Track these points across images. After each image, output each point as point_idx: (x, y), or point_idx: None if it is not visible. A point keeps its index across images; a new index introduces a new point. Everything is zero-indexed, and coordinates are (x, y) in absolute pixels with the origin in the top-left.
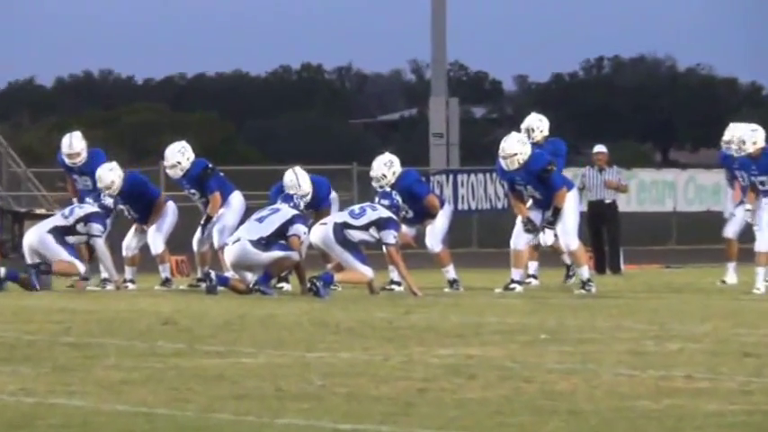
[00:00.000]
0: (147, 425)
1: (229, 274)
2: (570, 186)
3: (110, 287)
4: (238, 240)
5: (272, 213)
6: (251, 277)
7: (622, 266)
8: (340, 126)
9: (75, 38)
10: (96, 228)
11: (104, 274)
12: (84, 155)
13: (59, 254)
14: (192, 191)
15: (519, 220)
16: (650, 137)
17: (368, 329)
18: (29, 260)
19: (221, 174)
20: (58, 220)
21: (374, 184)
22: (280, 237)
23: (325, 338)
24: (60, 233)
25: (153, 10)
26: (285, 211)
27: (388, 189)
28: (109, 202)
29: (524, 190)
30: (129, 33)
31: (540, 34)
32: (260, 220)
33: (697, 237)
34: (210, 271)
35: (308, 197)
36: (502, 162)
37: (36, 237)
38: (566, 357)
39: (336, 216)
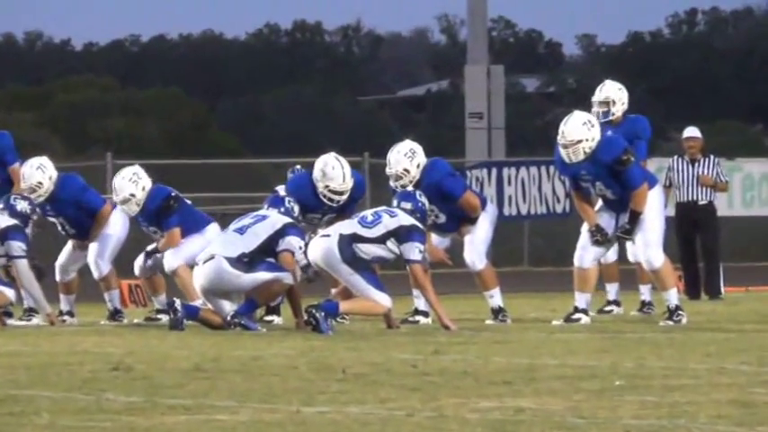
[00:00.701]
0: None
1: (200, 302)
2: (653, 183)
3: (38, 320)
4: (212, 258)
5: (256, 222)
6: (229, 308)
7: (722, 289)
8: (346, 105)
9: None
10: (16, 246)
11: (29, 304)
12: None
13: None
14: (152, 228)
15: (585, 228)
16: (760, 115)
17: (385, 375)
18: None
19: (189, 203)
20: None
21: (392, 182)
22: (267, 253)
23: (329, 388)
24: None
25: None
26: (274, 219)
27: (410, 188)
28: (23, 206)
29: (592, 188)
30: None
31: None
32: (240, 230)
33: None
34: (174, 300)
35: (343, 198)
36: (562, 152)
37: None
38: (648, 411)
39: (343, 226)
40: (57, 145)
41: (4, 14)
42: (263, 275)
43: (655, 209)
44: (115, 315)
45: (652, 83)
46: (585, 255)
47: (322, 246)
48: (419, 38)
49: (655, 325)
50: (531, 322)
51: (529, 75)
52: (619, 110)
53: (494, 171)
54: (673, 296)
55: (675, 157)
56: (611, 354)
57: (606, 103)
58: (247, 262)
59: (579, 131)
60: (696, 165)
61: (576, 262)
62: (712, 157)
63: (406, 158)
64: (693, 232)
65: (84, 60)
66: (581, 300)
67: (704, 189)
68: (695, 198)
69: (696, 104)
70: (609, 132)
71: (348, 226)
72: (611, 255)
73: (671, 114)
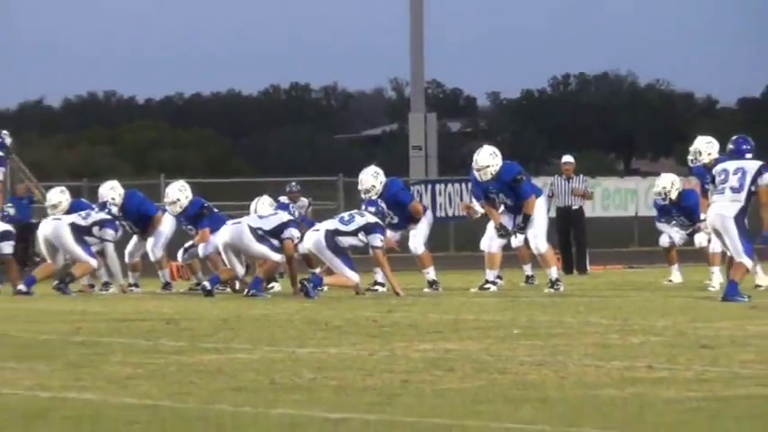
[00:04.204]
0: (151, 416)
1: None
2: (539, 194)
3: (113, 290)
4: (239, 222)
5: (271, 215)
6: (239, 269)
7: (588, 267)
8: (326, 141)
9: (80, 61)
10: (110, 233)
11: (105, 278)
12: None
13: (72, 248)
14: (189, 227)
15: (491, 225)
16: (613, 148)
17: (354, 327)
18: (43, 249)
19: (216, 211)
20: (76, 218)
21: (363, 195)
22: (274, 235)
23: (315, 335)
24: (77, 231)
25: (152, 34)
26: (282, 215)
27: (374, 198)
28: (115, 210)
29: (497, 198)
30: (131, 56)
31: (511, 53)
32: (260, 216)
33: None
34: (202, 279)
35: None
36: (476, 173)
37: (51, 228)
38: (536, 350)
39: (327, 224)
40: (125, 169)
41: (90, 78)
42: (264, 250)
43: (541, 212)
44: (166, 286)
45: (539, 125)
46: (492, 243)
47: (313, 237)
48: (377, 94)
49: (541, 292)
50: (456, 290)
51: (453, 119)
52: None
53: (429, 187)
54: (554, 272)
55: (556, 176)
56: (510, 311)
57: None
58: (260, 236)
59: (487, 159)
60: (570, 181)
61: (485, 248)
62: (581, 175)
63: (373, 177)
64: (568, 227)
65: (145, 110)
66: (489, 274)
67: (576, 198)
68: (569, 204)
69: (570, 140)
70: (506, 161)
71: (331, 223)
72: (519, 242)
73: (552, 147)
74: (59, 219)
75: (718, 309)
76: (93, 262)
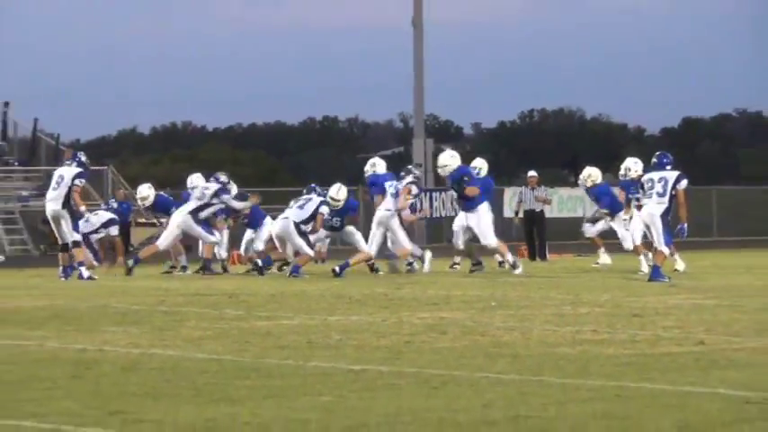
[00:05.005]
0: (218, 367)
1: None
2: (483, 199)
3: (189, 273)
4: (286, 218)
5: (306, 202)
6: (289, 250)
7: (548, 255)
8: (350, 160)
9: (164, 95)
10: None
11: (183, 263)
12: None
13: (297, 241)
14: (159, 216)
15: (457, 222)
16: (566, 165)
17: (370, 300)
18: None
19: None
20: (193, 203)
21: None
22: (307, 222)
23: (341, 306)
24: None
25: (217, 77)
26: (315, 199)
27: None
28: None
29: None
30: (201, 93)
31: (490, 93)
32: (300, 207)
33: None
34: (257, 261)
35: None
36: (438, 170)
37: (279, 226)
38: (509, 318)
39: (292, 212)
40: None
41: (171, 110)
42: (301, 243)
43: (486, 217)
44: (225, 270)
45: (511, 149)
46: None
47: (281, 224)
48: (388, 124)
49: (511, 274)
50: (445, 273)
51: (445, 144)
52: (455, 165)
53: (428, 194)
54: (509, 257)
55: (523, 186)
56: (489, 288)
57: (445, 165)
58: (300, 231)
59: (447, 160)
60: (534, 190)
61: (452, 240)
62: (543, 186)
63: (450, 157)
64: (532, 226)
65: (213, 136)
66: (477, 256)
67: (538, 204)
68: (534, 208)
69: (534, 159)
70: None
71: (295, 213)
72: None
73: (521, 164)
74: (286, 218)
75: (645, 287)
76: (311, 252)
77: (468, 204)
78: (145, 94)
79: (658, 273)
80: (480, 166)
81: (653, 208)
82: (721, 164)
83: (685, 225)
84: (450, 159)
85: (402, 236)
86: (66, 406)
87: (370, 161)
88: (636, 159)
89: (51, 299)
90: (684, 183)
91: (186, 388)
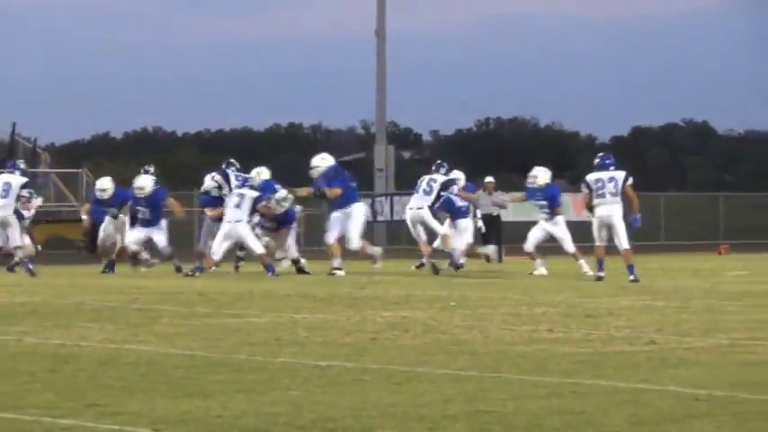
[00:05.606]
0: (190, 362)
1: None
2: (354, 198)
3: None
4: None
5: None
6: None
7: (504, 257)
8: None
9: (135, 100)
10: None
11: (176, 264)
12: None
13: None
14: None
15: (332, 219)
16: (521, 171)
17: (335, 299)
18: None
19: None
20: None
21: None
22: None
23: (307, 305)
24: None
25: (187, 82)
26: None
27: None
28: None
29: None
30: (172, 96)
31: (448, 101)
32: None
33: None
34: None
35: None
36: (310, 171)
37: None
38: (467, 318)
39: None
40: (166, 183)
41: (143, 115)
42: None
43: (357, 217)
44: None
45: (468, 154)
46: (331, 236)
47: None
48: (350, 130)
49: (471, 275)
50: (407, 274)
51: (405, 150)
52: (326, 166)
53: (389, 198)
54: (376, 251)
55: (480, 191)
56: (447, 289)
57: (317, 167)
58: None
59: (318, 162)
60: (491, 195)
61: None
62: (500, 191)
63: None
64: (490, 229)
65: (182, 141)
66: (335, 262)
67: (495, 207)
68: (491, 212)
69: (490, 166)
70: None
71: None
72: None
73: (478, 171)
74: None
75: (598, 288)
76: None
77: (342, 203)
78: (117, 101)
79: (632, 271)
80: (459, 177)
81: (612, 209)
82: (669, 171)
83: (638, 215)
84: (320, 161)
85: (437, 226)
86: (44, 398)
87: (255, 170)
88: (545, 169)
89: (30, 295)
90: (631, 180)
91: (160, 382)
